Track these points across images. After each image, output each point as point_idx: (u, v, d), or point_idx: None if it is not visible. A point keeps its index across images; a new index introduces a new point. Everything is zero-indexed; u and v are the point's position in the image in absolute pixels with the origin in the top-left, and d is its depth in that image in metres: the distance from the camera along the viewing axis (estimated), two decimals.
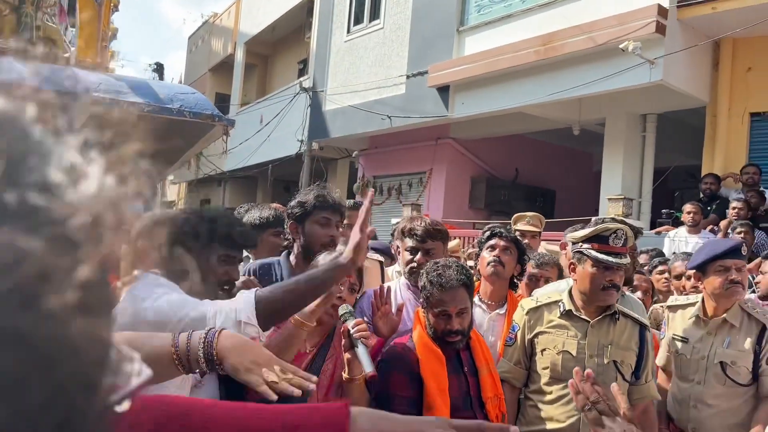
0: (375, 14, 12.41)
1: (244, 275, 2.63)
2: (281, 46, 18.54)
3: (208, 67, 21.17)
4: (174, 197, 22.97)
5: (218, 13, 21.20)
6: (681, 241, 6.97)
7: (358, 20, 12.83)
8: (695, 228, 7.00)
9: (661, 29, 7.62)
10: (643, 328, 2.92)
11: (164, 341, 1.46)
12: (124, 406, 0.41)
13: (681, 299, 3.47)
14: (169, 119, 5.16)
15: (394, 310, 2.76)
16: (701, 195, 7.87)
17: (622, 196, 8.74)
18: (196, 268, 1.95)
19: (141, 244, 1.60)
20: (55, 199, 0.35)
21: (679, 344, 3.25)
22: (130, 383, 0.42)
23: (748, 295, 3.66)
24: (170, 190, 22.71)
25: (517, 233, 3.94)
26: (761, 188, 7.51)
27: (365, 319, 2.56)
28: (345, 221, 2.92)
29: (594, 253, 2.78)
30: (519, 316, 3.00)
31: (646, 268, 4.79)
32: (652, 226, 8.73)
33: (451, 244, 4.28)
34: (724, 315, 3.11)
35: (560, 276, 3.76)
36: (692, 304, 3.28)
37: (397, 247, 3.08)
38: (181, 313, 1.75)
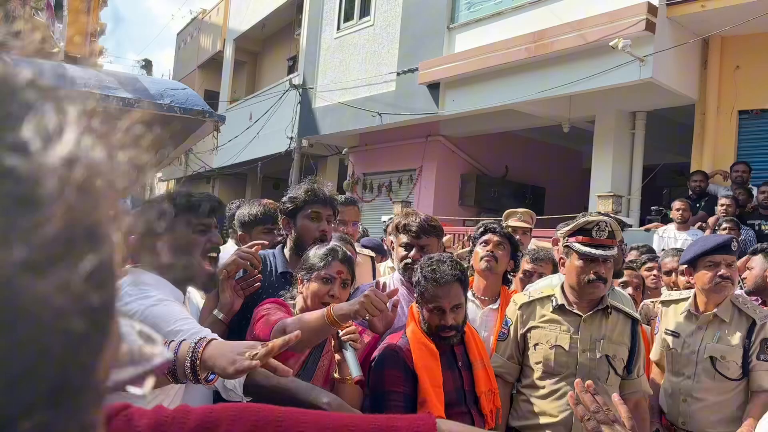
0: (365, 11, 12.39)
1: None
2: (271, 43, 18.47)
3: (197, 64, 21.06)
4: None
5: (207, 9, 21.09)
6: (670, 238, 7.01)
7: (348, 17, 12.80)
8: (684, 225, 7.05)
9: (650, 27, 7.66)
10: (635, 322, 2.93)
11: None
12: (146, 388, 0.41)
13: (674, 294, 3.49)
14: (159, 115, 5.13)
15: (389, 305, 2.76)
16: (690, 192, 7.92)
17: (612, 194, 8.79)
18: (175, 249, 1.98)
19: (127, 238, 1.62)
20: (27, 158, 0.35)
21: (670, 339, 3.27)
22: (149, 363, 0.42)
23: (738, 291, 3.69)
24: (159, 187, 22.58)
25: (509, 229, 3.95)
26: (750, 186, 7.57)
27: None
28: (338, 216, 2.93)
29: (578, 245, 2.80)
30: (511, 311, 3.00)
31: (635, 264, 4.81)
32: (641, 223, 8.78)
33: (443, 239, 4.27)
34: (715, 310, 3.14)
35: (555, 272, 3.77)
36: (685, 300, 3.30)
37: (392, 242, 3.07)
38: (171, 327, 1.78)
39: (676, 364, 3.23)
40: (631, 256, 5.07)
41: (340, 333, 2.17)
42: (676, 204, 7.13)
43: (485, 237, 3.24)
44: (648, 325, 3.69)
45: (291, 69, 16.28)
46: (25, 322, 0.33)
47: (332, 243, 2.59)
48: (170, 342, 1.57)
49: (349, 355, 2.13)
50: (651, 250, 5.33)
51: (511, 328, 2.97)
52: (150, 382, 0.42)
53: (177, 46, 23.89)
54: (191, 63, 21.57)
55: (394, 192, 12.46)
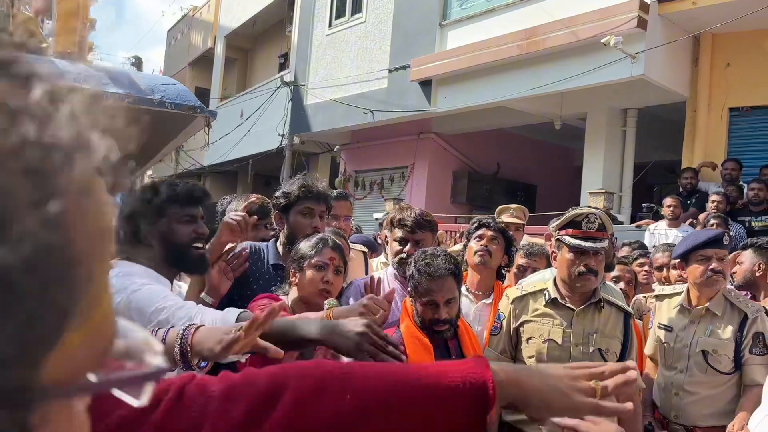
0: (357, 8, 12.37)
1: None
2: (262, 40, 18.41)
3: (187, 61, 20.95)
4: None
5: (198, 6, 20.98)
6: (661, 235, 7.04)
7: (340, 14, 12.78)
8: (675, 221, 7.08)
9: (642, 24, 7.69)
10: (627, 316, 2.94)
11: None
12: (143, 399, 0.40)
13: (668, 289, 3.51)
14: (149, 111, 5.08)
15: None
16: (681, 189, 7.97)
17: (603, 191, 8.83)
18: (162, 239, 1.98)
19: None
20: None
21: (663, 333, 3.28)
22: (142, 368, 0.41)
23: (728, 287, 3.71)
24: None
25: (501, 225, 3.95)
26: (740, 183, 7.61)
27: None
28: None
29: (568, 238, 2.80)
30: (504, 305, 3.00)
31: (627, 260, 4.82)
32: (633, 220, 8.81)
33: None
34: (707, 304, 3.15)
35: (549, 266, 3.77)
36: (678, 294, 3.31)
37: (386, 237, 3.06)
38: (160, 305, 1.77)
39: (669, 358, 3.24)
40: (623, 252, 5.09)
41: None
42: (667, 201, 7.16)
43: (479, 231, 3.24)
44: (640, 320, 3.70)
45: (282, 66, 16.23)
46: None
47: (322, 233, 2.59)
48: (157, 330, 1.57)
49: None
50: (642, 246, 5.34)
51: (504, 323, 2.96)
52: (149, 391, 0.41)
53: (167, 43, 23.76)
54: (182, 60, 21.46)
55: (386, 189, 12.46)
